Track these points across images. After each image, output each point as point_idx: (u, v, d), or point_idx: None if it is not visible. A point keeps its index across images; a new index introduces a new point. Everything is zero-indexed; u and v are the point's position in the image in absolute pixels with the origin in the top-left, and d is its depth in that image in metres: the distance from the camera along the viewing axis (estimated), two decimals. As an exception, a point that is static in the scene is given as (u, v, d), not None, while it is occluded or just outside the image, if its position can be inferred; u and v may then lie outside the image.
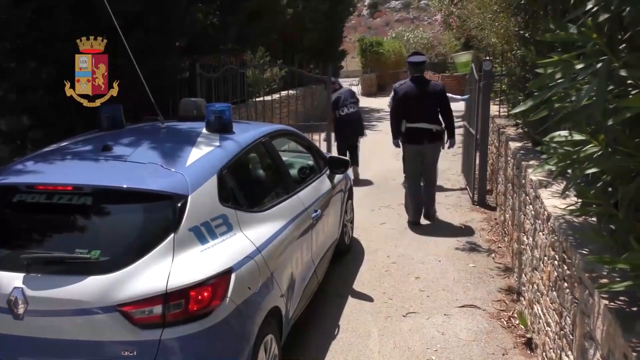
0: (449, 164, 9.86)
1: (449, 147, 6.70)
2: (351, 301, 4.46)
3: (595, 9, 1.89)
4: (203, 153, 3.13)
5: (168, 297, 2.42)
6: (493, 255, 5.38)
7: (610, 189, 2.19)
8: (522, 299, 4.21)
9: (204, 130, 3.56)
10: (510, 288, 4.60)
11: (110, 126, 3.78)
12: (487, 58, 7.72)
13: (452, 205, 7.16)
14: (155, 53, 6.07)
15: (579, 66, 1.90)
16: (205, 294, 2.52)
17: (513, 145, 5.34)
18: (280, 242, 3.32)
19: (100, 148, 3.08)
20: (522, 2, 5.12)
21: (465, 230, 6.15)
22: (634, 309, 1.93)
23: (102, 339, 2.44)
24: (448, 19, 13.36)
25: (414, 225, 6.36)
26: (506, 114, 7.40)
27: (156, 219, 2.67)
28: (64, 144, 3.43)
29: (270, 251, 3.13)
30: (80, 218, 2.74)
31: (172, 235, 2.57)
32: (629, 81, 1.86)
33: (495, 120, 7.38)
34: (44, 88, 5.02)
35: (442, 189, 7.97)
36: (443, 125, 6.34)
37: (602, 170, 2.08)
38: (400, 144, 6.52)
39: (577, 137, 2.09)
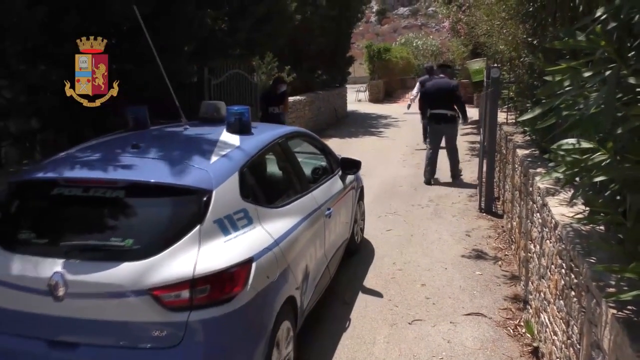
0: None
1: (463, 124, 9.30)
2: (357, 308, 4.44)
3: (604, 16, 1.89)
4: (225, 152, 3.34)
5: (195, 283, 2.61)
6: (500, 263, 5.35)
7: (618, 198, 2.17)
8: (528, 307, 4.18)
9: (225, 131, 3.77)
10: (516, 296, 4.57)
11: (135, 126, 4.01)
12: (495, 65, 7.71)
13: (459, 212, 7.14)
14: (163, 56, 6.09)
15: (588, 74, 1.90)
16: (229, 280, 2.72)
17: (520, 152, 5.32)
18: (296, 237, 3.51)
19: (130, 146, 3.27)
20: (531, 9, 5.11)
21: (472, 238, 6.12)
22: (642, 318, 1.91)
23: (134, 320, 2.62)
24: (456, 26, 13.34)
25: (426, 184, 8.70)
26: (514, 121, 7.38)
27: (184, 211, 2.86)
28: (94, 142, 3.63)
29: (287, 244, 3.31)
30: (114, 209, 2.93)
31: (198, 226, 2.76)
32: (637, 89, 1.85)
33: (503, 127, 7.36)
34: (54, 90, 5.06)
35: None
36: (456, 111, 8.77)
37: (610, 178, 2.07)
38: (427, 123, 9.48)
39: (585, 145, 2.08)
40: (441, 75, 9.33)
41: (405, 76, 30.88)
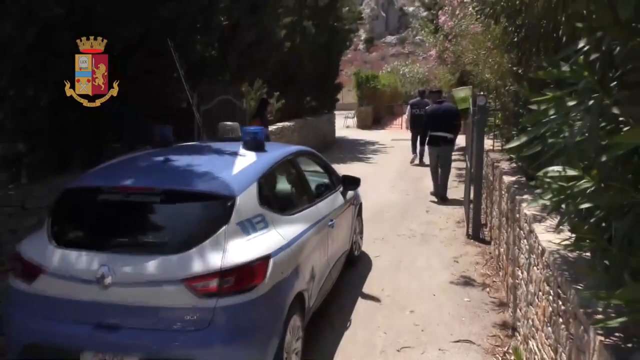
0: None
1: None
2: (346, 334, 4.41)
3: (586, 47, 1.94)
4: (244, 165, 3.86)
5: (222, 274, 3.04)
6: (488, 289, 5.35)
7: (604, 224, 2.20)
8: (517, 334, 4.18)
9: (242, 148, 4.32)
10: (505, 323, 4.56)
11: (161, 143, 4.58)
12: (482, 93, 7.83)
13: (446, 239, 7.16)
14: (157, 77, 6.08)
15: (572, 103, 1.94)
16: (250, 273, 3.16)
17: (507, 179, 5.37)
18: (304, 241, 3.95)
19: (162, 159, 3.83)
20: (515, 39, 5.21)
21: (460, 264, 6.13)
22: (630, 345, 1.92)
23: (170, 305, 3.05)
24: (443, 55, 13.56)
25: (434, 195, 9.65)
26: (500, 148, 7.47)
27: (212, 213, 3.33)
28: (129, 157, 4.20)
29: (297, 247, 3.76)
30: (152, 212, 3.43)
31: (224, 227, 3.22)
32: (620, 118, 1.89)
33: (490, 154, 7.44)
34: (43, 111, 5.03)
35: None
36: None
37: (595, 205, 2.09)
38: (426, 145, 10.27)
39: (571, 172, 2.11)
40: (444, 100, 10.11)
41: (393, 103, 31.21)
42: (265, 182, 3.87)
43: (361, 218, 6.48)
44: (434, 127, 9.48)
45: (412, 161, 13.68)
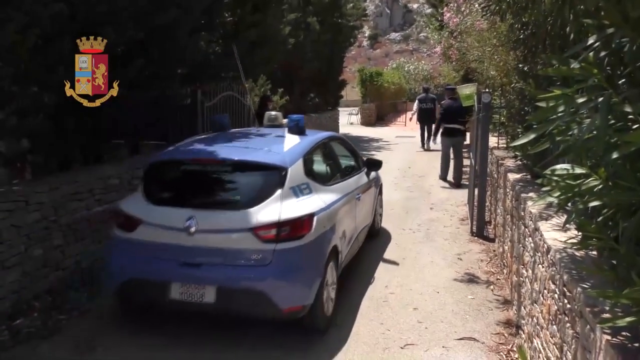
0: (448, 194, 9.90)
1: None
2: (349, 331, 4.40)
3: (595, 44, 1.92)
4: (291, 145, 4.82)
5: (280, 225, 3.97)
6: (492, 287, 5.34)
7: (611, 223, 2.18)
8: (521, 332, 4.16)
9: (287, 133, 5.28)
10: (509, 321, 4.55)
11: (220, 129, 5.58)
12: (487, 90, 7.80)
13: (450, 236, 7.14)
14: (157, 81, 6.11)
15: (580, 100, 1.92)
16: (300, 225, 4.09)
17: (512, 177, 5.35)
18: (338, 207, 4.83)
19: (227, 139, 5.06)
20: (521, 36, 5.19)
21: (464, 262, 6.12)
22: (637, 344, 1.91)
23: (240, 248, 3.99)
24: (448, 52, 13.51)
25: (442, 180, 10.86)
26: (505, 145, 7.45)
27: (271, 180, 4.27)
28: (197, 138, 5.30)
29: (333, 210, 4.65)
30: (225, 178, 4.50)
31: (280, 190, 4.19)
32: (629, 116, 1.87)
33: (494, 151, 7.42)
34: (45, 113, 5.03)
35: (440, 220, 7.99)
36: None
37: (603, 203, 2.08)
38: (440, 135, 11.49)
39: (578, 170, 2.10)
40: (455, 97, 10.99)
41: (397, 100, 31.14)
42: (308, 159, 4.84)
43: (381, 197, 7.34)
44: (449, 120, 10.77)
45: (424, 146, 15.83)
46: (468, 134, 11.44)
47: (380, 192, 7.25)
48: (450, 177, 10.82)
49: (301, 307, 4.03)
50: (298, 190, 4.31)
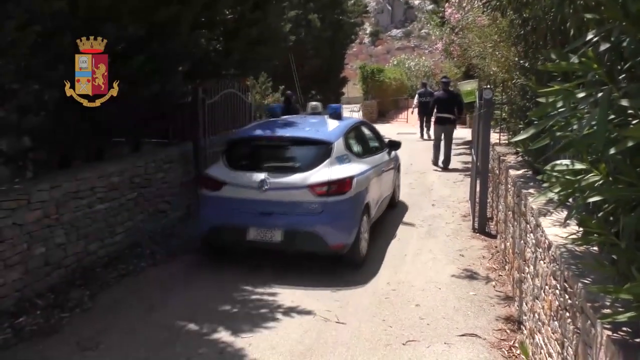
0: (450, 190, 9.89)
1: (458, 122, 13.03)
2: (351, 327, 4.41)
3: (595, 39, 1.91)
4: (333, 127, 6.37)
5: (330, 183, 5.44)
6: (493, 283, 5.34)
7: (611, 218, 2.18)
8: (523, 328, 4.16)
9: (328, 118, 6.85)
10: (511, 317, 4.55)
11: (273, 116, 7.14)
12: (488, 87, 7.78)
13: (452, 232, 7.14)
14: (157, 78, 6.12)
15: (580, 95, 1.92)
16: (344, 184, 5.52)
17: (513, 173, 5.34)
18: (370, 174, 6.24)
19: (283, 123, 6.65)
20: (522, 32, 5.18)
21: (466, 258, 6.12)
22: (637, 340, 1.90)
23: (302, 200, 5.42)
24: (449, 48, 13.49)
25: (434, 165, 12.15)
26: (506, 141, 7.43)
27: (321, 151, 5.77)
28: (258, 123, 7.37)
29: (366, 176, 6.07)
30: (288, 150, 6.14)
31: (328, 159, 5.69)
32: (629, 111, 1.87)
33: (496, 148, 7.40)
34: (46, 110, 5.03)
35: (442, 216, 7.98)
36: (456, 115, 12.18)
37: (603, 199, 2.07)
38: (432, 123, 13.11)
39: (579, 166, 2.09)
40: (450, 88, 12.58)
41: (399, 97, 31.09)
42: (347, 137, 6.24)
43: (399, 174, 8.79)
44: (440, 110, 12.06)
45: (423, 136, 17.17)
46: (469, 131, 11.77)
47: (399, 170, 8.70)
48: (440, 162, 12.03)
49: (343, 245, 5.47)
50: (341, 160, 5.78)
